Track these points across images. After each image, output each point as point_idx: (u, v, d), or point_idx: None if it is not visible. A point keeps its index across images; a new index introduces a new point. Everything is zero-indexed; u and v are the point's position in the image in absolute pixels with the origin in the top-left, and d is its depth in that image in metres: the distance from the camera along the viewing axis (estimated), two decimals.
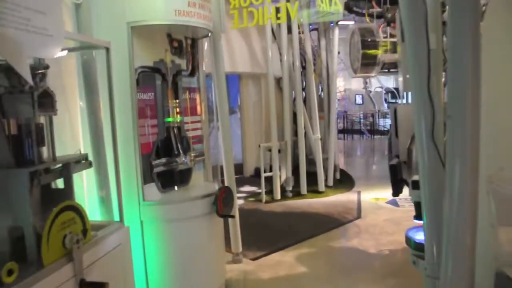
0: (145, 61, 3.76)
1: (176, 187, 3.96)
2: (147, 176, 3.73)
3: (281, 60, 8.42)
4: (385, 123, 23.83)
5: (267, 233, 6.09)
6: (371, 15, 8.90)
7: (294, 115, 10.36)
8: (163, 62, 3.88)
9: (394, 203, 7.49)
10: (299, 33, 8.26)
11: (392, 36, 8.80)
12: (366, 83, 29.08)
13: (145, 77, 3.78)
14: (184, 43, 4.12)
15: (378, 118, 24.39)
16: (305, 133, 8.28)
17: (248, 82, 10.00)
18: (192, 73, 4.26)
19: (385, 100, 31.11)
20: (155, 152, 3.83)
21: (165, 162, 3.85)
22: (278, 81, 9.53)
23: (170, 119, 3.93)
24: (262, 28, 7.97)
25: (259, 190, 8.02)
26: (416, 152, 9.45)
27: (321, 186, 8.20)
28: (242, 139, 10.25)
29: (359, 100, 29.52)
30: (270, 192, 7.89)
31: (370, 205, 7.45)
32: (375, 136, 20.58)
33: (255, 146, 10.07)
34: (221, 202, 3.73)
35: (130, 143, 3.52)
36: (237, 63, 9.26)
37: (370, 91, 29.54)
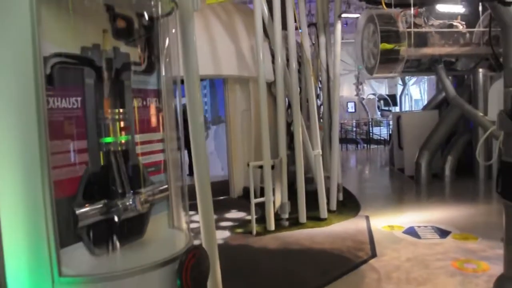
0: (65, 46, 2.33)
1: (119, 246, 2.53)
2: (70, 233, 2.30)
3: (273, 61, 7.06)
4: (380, 132, 22.65)
5: (258, 283, 4.67)
6: (388, 4, 7.32)
7: (289, 126, 9.06)
8: (98, 50, 2.47)
9: (413, 232, 6.13)
10: (296, 28, 6.89)
11: (416, 25, 7.38)
12: (358, 89, 28.02)
13: (66, 73, 2.34)
14: (135, 22, 2.73)
15: (372, 126, 23.23)
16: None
17: (235, 87, 8.60)
18: (148, 69, 2.86)
19: (378, 107, 30.08)
20: (84, 192, 2.39)
21: (101, 208, 2.41)
22: (270, 85, 8.21)
23: (109, 139, 2.50)
24: (251, 23, 6.60)
25: (249, 217, 6.60)
26: (425, 166, 8.06)
27: (323, 212, 6.80)
28: (228, 154, 8.82)
29: (351, 107, 28.43)
30: (262, 219, 6.47)
31: (385, 236, 6.06)
32: (371, 146, 19.28)
33: (243, 162, 8.67)
34: (188, 275, 2.31)
35: (35, 181, 2.10)
36: (222, 64, 7.87)
37: (363, 98, 28.50)
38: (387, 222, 6.66)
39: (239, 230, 6.43)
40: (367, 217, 6.99)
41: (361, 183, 11.04)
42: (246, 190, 8.68)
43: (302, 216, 6.56)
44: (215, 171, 11.63)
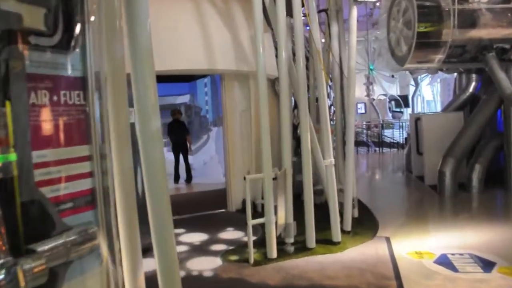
0: None
1: None
2: None
3: (277, 54, 5.96)
4: (392, 134, 21.44)
5: None
6: None
7: (296, 128, 7.95)
8: None
9: (447, 263, 4.98)
10: (303, 15, 5.76)
11: (461, 1, 5.97)
12: (369, 90, 26.84)
13: None
14: None
15: (383, 128, 22.06)
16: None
17: (232, 85, 7.48)
18: (64, 44, 1.78)
19: (389, 109, 28.83)
20: None
21: None
22: (274, 82, 7.11)
23: None
24: (252, 11, 5.47)
25: (246, 238, 5.47)
26: (450, 176, 6.91)
27: (336, 234, 5.64)
28: (225, 161, 7.71)
29: (361, 109, 27.23)
30: (262, 242, 5.34)
31: (413, 268, 4.91)
32: (383, 149, 18.08)
33: (243, 171, 7.56)
34: None
35: None
36: (217, 58, 6.76)
37: (374, 99, 27.27)
38: (413, 247, 5.50)
39: (233, 258, 5.29)
40: (387, 240, 5.84)
41: (376, 194, 9.84)
42: (245, 203, 7.57)
43: (311, 240, 5.42)
44: (215, 178, 10.54)
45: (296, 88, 5.58)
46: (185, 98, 14.10)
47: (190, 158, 13.56)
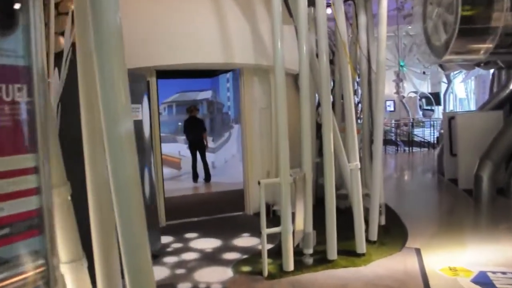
0: None
1: None
2: None
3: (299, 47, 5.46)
4: (422, 133, 20.54)
5: None
6: None
7: (319, 128, 7.44)
8: None
9: (487, 283, 4.39)
10: (328, 4, 5.25)
11: None
12: (398, 87, 25.93)
13: None
14: None
15: (413, 127, 21.18)
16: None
17: (251, 80, 7.02)
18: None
19: (420, 106, 27.80)
20: None
21: None
22: (297, 78, 6.61)
23: None
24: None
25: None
26: (488, 180, 6.26)
27: (361, 245, 5.13)
28: (243, 161, 7.27)
29: (390, 106, 26.34)
30: (277, 252, 4.88)
31: (447, 286, 4.36)
32: (413, 149, 17.28)
33: (262, 171, 7.12)
34: None
35: None
36: (234, 51, 6.32)
37: (403, 97, 26.33)
38: (447, 262, 4.93)
39: (246, 269, 4.84)
40: (418, 252, 5.28)
41: (405, 198, 9.19)
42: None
43: (332, 251, 4.92)
44: (236, 177, 10.12)
45: (319, 83, 5.09)
46: (207, 94, 13.72)
47: (211, 156, 13.22)
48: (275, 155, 6.95)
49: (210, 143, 13.28)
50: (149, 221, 4.99)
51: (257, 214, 7.03)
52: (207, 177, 10.73)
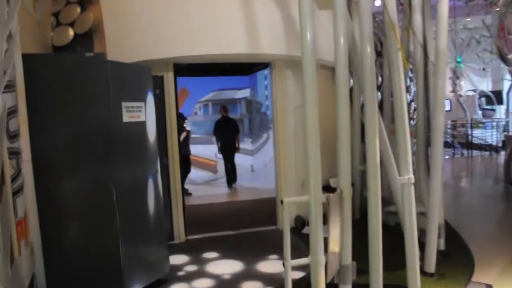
0: None
1: None
2: None
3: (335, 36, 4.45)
4: (483, 135, 18.70)
5: None
6: None
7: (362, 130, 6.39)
8: None
9: None
10: None
11: None
12: (455, 85, 23.97)
13: None
14: None
15: (471, 128, 19.38)
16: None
17: (284, 75, 6.07)
18: None
19: (479, 106, 25.66)
20: None
21: None
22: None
23: None
24: None
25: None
26: None
27: (414, 279, 4.04)
28: (275, 169, 6.33)
29: (445, 106, 24.45)
30: (308, 285, 3.90)
31: None
32: (472, 152, 15.60)
33: (296, 180, 6.17)
34: None
35: None
36: (262, 40, 5.41)
37: (460, 95, 24.37)
38: None
39: None
40: None
41: (468, 213, 7.78)
42: (298, 221, 6.16)
43: (377, 285, 3.87)
44: (270, 183, 9.23)
45: (361, 77, 4.07)
46: (245, 93, 12.87)
47: (249, 159, 12.39)
48: None
49: (248, 145, 12.47)
50: (152, 240, 4.17)
51: (292, 230, 6.11)
52: (233, 179, 10.25)
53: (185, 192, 9.17)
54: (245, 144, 12.42)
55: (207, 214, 7.44)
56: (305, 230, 5.54)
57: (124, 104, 3.87)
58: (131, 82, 4.03)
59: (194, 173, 11.82)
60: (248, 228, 6.36)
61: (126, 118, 3.90)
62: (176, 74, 5.75)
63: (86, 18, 5.63)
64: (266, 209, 7.11)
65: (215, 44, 5.27)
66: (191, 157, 9.71)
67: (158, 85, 5.31)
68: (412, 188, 4.05)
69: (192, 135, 12.74)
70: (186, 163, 9.01)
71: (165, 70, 5.52)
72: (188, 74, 11.32)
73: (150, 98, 4.27)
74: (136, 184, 4.04)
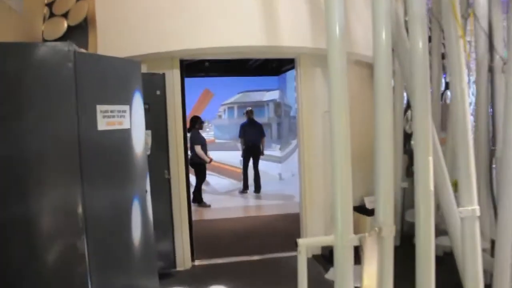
0: None
1: None
2: None
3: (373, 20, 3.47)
4: None
5: None
6: None
7: (407, 139, 5.43)
8: None
9: None
10: None
11: None
12: None
13: None
14: None
15: None
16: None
17: (312, 72, 5.11)
18: None
19: None
20: None
21: None
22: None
23: None
24: None
25: None
26: None
27: None
28: (300, 184, 5.38)
29: None
30: None
31: None
32: None
33: (324, 198, 5.22)
34: None
35: None
36: (283, 30, 4.47)
37: None
38: None
39: None
40: None
41: None
42: (325, 246, 5.18)
43: None
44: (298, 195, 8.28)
45: (407, 74, 3.09)
46: (274, 94, 11.96)
47: (278, 166, 11.57)
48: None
49: (276, 152, 11.62)
50: (137, 277, 3.29)
51: (316, 258, 5.15)
52: (258, 188, 9.45)
53: (203, 204, 8.36)
54: (273, 150, 11.54)
55: (221, 232, 6.55)
56: (330, 275, 4.49)
57: (100, 107, 3.03)
58: (112, 79, 3.19)
59: (217, 180, 11.02)
60: (267, 253, 5.42)
61: (103, 125, 3.05)
62: (183, 73, 4.90)
63: (80, 7, 4.87)
64: (291, 229, 6.16)
65: (230, 36, 4.38)
66: (213, 163, 8.92)
67: (159, 84, 4.47)
68: (477, 223, 3.00)
69: (216, 140, 11.95)
70: (200, 170, 8.20)
71: (169, 66, 4.68)
72: (212, 73, 10.53)
73: (138, 100, 3.42)
74: (115, 210, 3.18)
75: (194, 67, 9.02)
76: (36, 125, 2.77)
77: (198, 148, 7.95)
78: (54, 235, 2.85)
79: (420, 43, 2.83)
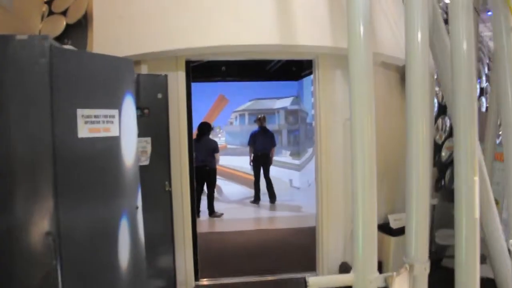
0: None
1: None
2: None
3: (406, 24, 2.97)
4: None
5: None
6: None
7: (438, 148, 4.91)
8: None
9: None
10: None
11: None
12: None
13: None
14: None
15: None
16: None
17: (332, 75, 4.60)
18: None
19: None
20: None
21: None
22: (404, 73, 4.15)
23: None
24: None
25: None
26: None
27: None
28: (317, 198, 4.87)
29: None
30: None
31: None
32: None
33: (345, 213, 4.71)
34: None
35: None
36: (300, 28, 4.00)
37: None
38: None
39: None
40: None
41: None
42: (344, 268, 4.68)
43: None
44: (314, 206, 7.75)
45: (444, 76, 2.58)
46: (285, 102, 11.53)
47: (295, 174, 11.12)
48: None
49: (294, 160, 11.19)
50: None
51: None
52: (272, 198, 8.99)
53: (214, 215, 7.91)
54: (283, 156, 11.14)
55: (231, 247, 6.07)
56: None
57: (81, 111, 2.60)
58: (98, 80, 2.76)
59: (230, 187, 10.61)
60: (279, 273, 4.92)
61: (84, 132, 2.62)
62: (190, 75, 4.47)
63: (79, 4, 4.51)
64: (304, 244, 5.68)
65: (236, 33, 3.92)
66: (225, 169, 8.54)
67: (161, 87, 4.03)
68: None
69: (228, 146, 11.56)
70: (210, 176, 7.79)
71: (173, 68, 4.24)
72: (229, 78, 10.07)
73: (129, 104, 2.98)
74: (98, 228, 2.74)
75: (210, 71, 8.61)
76: (3, 129, 2.36)
77: (217, 156, 7.83)
78: (21, 259, 2.42)
79: (464, 41, 2.32)
